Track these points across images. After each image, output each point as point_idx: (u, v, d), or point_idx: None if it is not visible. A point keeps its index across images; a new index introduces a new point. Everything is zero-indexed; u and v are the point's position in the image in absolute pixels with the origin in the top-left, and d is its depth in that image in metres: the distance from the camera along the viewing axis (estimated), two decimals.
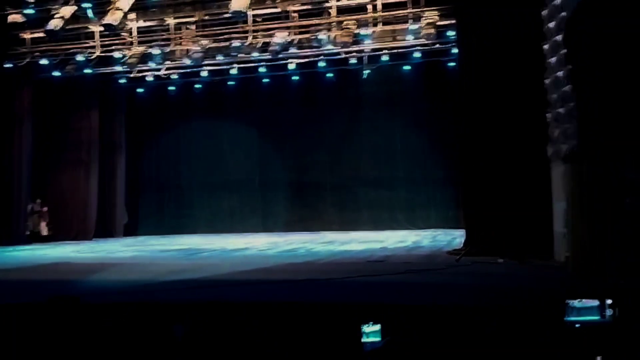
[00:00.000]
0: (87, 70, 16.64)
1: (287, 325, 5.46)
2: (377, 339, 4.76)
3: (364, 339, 4.77)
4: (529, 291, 6.56)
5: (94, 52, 16.27)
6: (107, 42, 16.28)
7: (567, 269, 8.33)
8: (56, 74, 16.67)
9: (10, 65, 16.18)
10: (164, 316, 5.86)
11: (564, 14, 9.20)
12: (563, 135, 9.29)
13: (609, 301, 4.13)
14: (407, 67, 16.96)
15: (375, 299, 6.28)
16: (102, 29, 15.26)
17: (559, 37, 9.55)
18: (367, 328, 4.77)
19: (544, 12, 10.22)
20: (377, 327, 4.77)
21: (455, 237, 12.90)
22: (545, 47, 10.13)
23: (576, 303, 4.08)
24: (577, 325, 4.17)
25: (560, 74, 9.53)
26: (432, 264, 9.47)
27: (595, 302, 4.08)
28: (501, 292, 6.55)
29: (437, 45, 15.55)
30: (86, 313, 5.81)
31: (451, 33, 14.51)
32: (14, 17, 14.95)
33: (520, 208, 10.26)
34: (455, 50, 14.61)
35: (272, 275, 8.52)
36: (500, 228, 10.40)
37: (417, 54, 15.95)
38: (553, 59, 9.85)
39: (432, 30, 14.63)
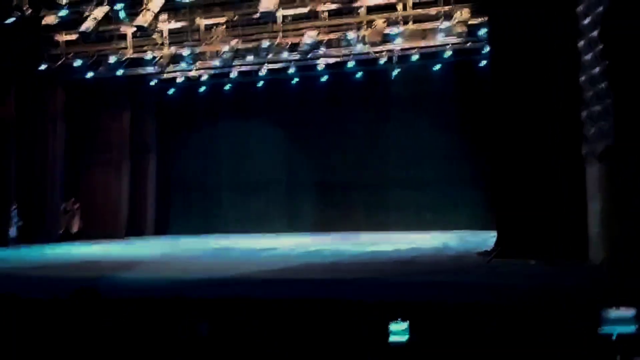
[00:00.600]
0: (119, 72, 16.85)
1: (313, 323, 5.38)
2: (405, 337, 4.63)
3: (392, 338, 4.65)
4: (562, 293, 6.36)
5: (126, 54, 16.47)
6: (138, 44, 16.45)
7: (603, 271, 8.09)
8: (89, 75, 16.91)
9: (45, 66, 16.48)
10: (189, 312, 5.84)
11: (600, 9, 8.96)
12: (598, 134, 9.04)
13: None
14: (437, 67, 16.73)
15: (402, 298, 6.16)
16: (134, 30, 15.41)
17: (594, 34, 9.30)
18: (394, 326, 4.65)
19: (579, 9, 9.97)
20: (405, 325, 4.64)
21: (486, 239, 12.63)
22: (580, 44, 9.87)
23: (612, 313, 3.86)
24: (613, 338, 3.97)
25: (595, 71, 9.28)
26: (462, 265, 9.30)
27: (632, 312, 3.85)
28: (533, 293, 6.36)
29: (469, 44, 15.34)
30: (108, 308, 5.82)
31: (483, 31, 14.27)
32: (48, 19, 15.19)
33: (554, 208, 10.02)
34: (487, 49, 14.38)
35: (298, 274, 8.46)
36: (532, 229, 10.15)
37: (447, 53, 15.72)
38: (588, 56, 9.60)
39: (464, 28, 14.40)
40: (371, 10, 15.07)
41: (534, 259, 9.52)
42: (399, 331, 4.63)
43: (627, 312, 3.90)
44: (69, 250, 14.28)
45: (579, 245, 9.47)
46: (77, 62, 16.51)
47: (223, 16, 15.90)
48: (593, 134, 9.26)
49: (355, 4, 15.05)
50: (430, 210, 17.34)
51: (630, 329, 3.87)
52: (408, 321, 4.63)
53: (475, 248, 11.59)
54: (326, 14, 15.37)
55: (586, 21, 9.73)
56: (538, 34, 10.63)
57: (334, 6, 15.18)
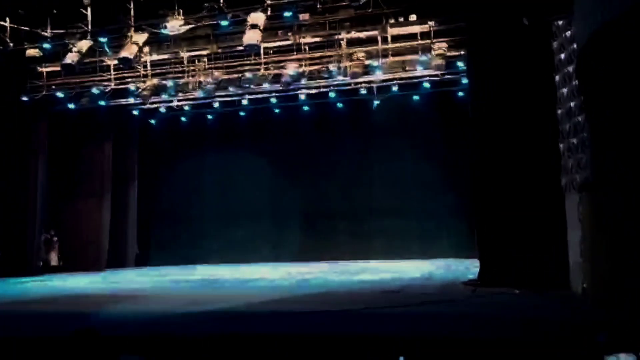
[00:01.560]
0: (102, 103, 16.91)
1: (307, 358, 5.46)
2: None
3: None
4: (549, 323, 6.54)
5: (109, 85, 16.56)
6: (121, 75, 16.57)
7: (584, 300, 8.31)
8: (71, 106, 16.94)
9: (27, 98, 16.47)
10: (186, 349, 5.88)
11: (574, 45, 9.34)
12: (577, 165, 9.36)
13: None
14: (416, 98, 17.13)
15: (395, 332, 6.28)
16: (117, 62, 15.54)
17: (570, 69, 9.70)
18: None
19: (555, 44, 10.38)
20: None
21: (470, 267, 12.87)
22: (557, 78, 10.26)
23: (613, 359, 4.07)
24: None
25: (572, 104, 9.65)
26: (449, 295, 9.45)
27: (632, 357, 4.06)
28: (521, 325, 6.53)
29: (447, 76, 15.75)
30: (109, 346, 5.84)
31: (461, 64, 14.70)
32: (32, 52, 15.26)
33: (535, 238, 10.29)
34: (465, 81, 14.80)
35: (287, 306, 8.52)
36: (515, 258, 10.39)
37: (426, 85, 16.13)
38: (565, 90, 9.98)
39: (442, 61, 14.82)
40: (352, 43, 15.42)
41: (517, 288, 9.73)
42: None
43: (628, 357, 4.09)
44: (51, 283, 14.11)
45: (560, 274, 9.72)
46: (60, 94, 16.56)
47: (206, 48, 16.12)
48: (571, 165, 9.58)
49: (337, 37, 15.39)
50: (415, 239, 17.54)
51: None
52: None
53: (460, 277, 11.79)
54: (308, 46, 15.69)
55: (562, 56, 10.14)
56: (515, 68, 11.03)
57: (316, 39, 15.50)
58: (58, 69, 15.96)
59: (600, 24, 7.47)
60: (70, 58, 14.79)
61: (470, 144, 12.06)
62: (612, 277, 7.33)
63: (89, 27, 14.76)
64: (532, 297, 9.12)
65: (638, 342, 4.38)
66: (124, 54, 14.65)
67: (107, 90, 16.61)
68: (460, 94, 16.18)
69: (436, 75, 15.67)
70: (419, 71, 15.41)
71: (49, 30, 14.91)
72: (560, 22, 10.11)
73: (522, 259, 10.28)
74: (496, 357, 5.10)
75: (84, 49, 14.91)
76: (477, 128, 11.66)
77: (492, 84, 11.30)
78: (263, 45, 15.03)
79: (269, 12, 13.82)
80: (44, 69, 16.58)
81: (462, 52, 14.07)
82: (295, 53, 15.79)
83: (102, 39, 14.93)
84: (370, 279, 12.55)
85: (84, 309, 8.56)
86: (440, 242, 17.28)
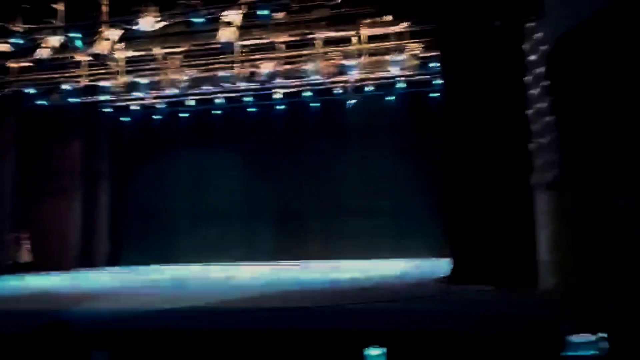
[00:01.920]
0: (73, 100, 16.66)
1: (283, 353, 5.48)
2: None
3: None
4: (516, 319, 6.67)
5: (80, 81, 16.32)
6: (93, 72, 16.35)
7: (554, 296, 8.48)
8: (41, 103, 16.66)
9: None
10: (160, 344, 5.85)
11: (544, 47, 9.53)
12: (546, 165, 9.54)
13: (604, 335, 4.28)
14: (390, 98, 17.26)
15: (370, 326, 6.33)
16: (89, 58, 15.33)
17: (540, 70, 9.88)
18: (371, 351, 4.78)
19: (526, 46, 10.56)
20: (382, 350, 4.78)
21: (442, 266, 12.97)
22: (528, 79, 10.45)
23: (574, 338, 4.21)
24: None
25: (542, 105, 9.83)
26: (421, 291, 9.55)
27: (592, 337, 4.22)
28: (493, 320, 6.64)
29: (420, 77, 15.91)
30: (80, 342, 5.77)
31: (434, 64, 14.87)
32: (2, 47, 14.95)
33: (506, 236, 10.45)
34: (438, 81, 14.97)
35: (262, 303, 8.53)
36: (486, 256, 10.55)
37: (400, 85, 16.27)
38: (535, 91, 10.16)
39: (416, 62, 14.99)
40: (327, 43, 15.47)
41: (489, 285, 9.87)
42: (376, 357, 4.76)
43: (589, 337, 4.22)
44: (20, 282, 13.86)
45: (531, 271, 9.88)
46: (30, 90, 16.26)
47: (180, 46, 16.00)
48: (541, 164, 9.76)
49: (312, 36, 15.43)
50: (387, 238, 17.63)
51: (591, 352, 4.19)
52: (385, 348, 4.78)
53: (433, 275, 11.91)
54: (283, 45, 15.69)
55: (532, 58, 10.32)
56: (487, 69, 11.19)
57: (290, 38, 15.51)
58: (28, 64, 15.69)
59: (569, 27, 7.64)
60: (41, 53, 14.56)
61: (441, 144, 12.20)
62: (578, 274, 7.51)
63: (61, 23, 14.54)
64: (503, 293, 9.26)
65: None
66: (96, 50, 14.48)
67: (78, 87, 16.37)
68: (434, 94, 16.34)
69: (410, 76, 15.83)
70: (394, 71, 15.55)
71: (19, 25, 14.63)
72: (531, 25, 10.30)
73: (493, 257, 10.43)
74: (467, 351, 5.19)
75: (56, 44, 14.69)
76: (449, 128, 11.80)
77: (464, 85, 11.45)
78: (238, 43, 14.99)
79: (244, 10, 13.79)
80: (14, 65, 16.26)
81: (436, 53, 14.23)
82: (270, 52, 15.82)
83: (74, 35, 14.71)
84: (343, 277, 12.60)
85: (54, 307, 8.44)
86: (412, 241, 17.40)
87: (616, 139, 7.41)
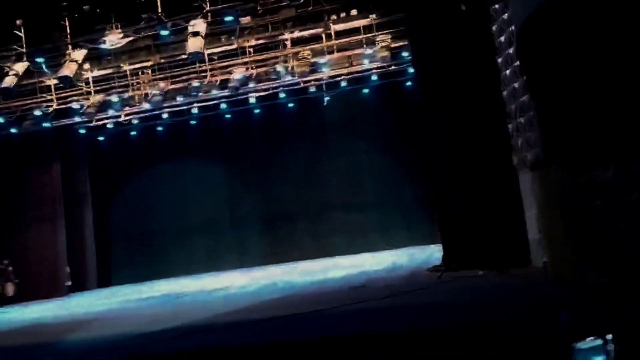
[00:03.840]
0: (46, 124, 16.42)
1: None
2: None
3: None
4: (512, 305, 6.63)
5: (51, 106, 16.10)
6: (63, 94, 16.13)
7: (545, 275, 8.47)
8: (14, 131, 16.39)
9: None
10: None
11: (513, 28, 9.51)
12: (526, 144, 9.53)
13: (609, 337, 4.26)
14: (365, 91, 17.21)
15: (368, 329, 6.26)
16: (57, 81, 15.11)
17: (511, 50, 9.86)
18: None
19: (494, 27, 10.53)
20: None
21: (432, 253, 12.98)
22: (499, 60, 10.42)
23: (581, 345, 4.18)
24: None
25: (516, 85, 9.81)
26: (415, 284, 9.49)
27: (599, 342, 4.19)
28: (490, 308, 6.60)
29: (393, 67, 15.87)
30: None
31: (405, 54, 14.83)
32: None
33: (493, 218, 10.44)
34: (411, 70, 14.93)
35: (256, 314, 8.40)
36: (476, 240, 10.53)
37: (374, 77, 16.22)
38: (507, 72, 10.14)
39: (387, 53, 14.95)
40: (296, 42, 15.37)
41: (481, 270, 9.85)
42: None
43: (595, 342, 4.20)
44: (9, 315, 13.62)
45: (521, 252, 9.88)
46: (0, 119, 15.99)
47: (149, 60, 15.83)
48: (521, 144, 9.75)
49: (281, 38, 15.32)
50: (376, 231, 17.64)
51: (600, 357, 4.18)
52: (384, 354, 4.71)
53: (424, 264, 11.88)
54: (253, 49, 15.58)
55: (502, 39, 10.30)
56: (457, 53, 11.15)
57: (260, 41, 15.40)
58: None
59: (537, 5, 7.60)
60: (8, 82, 14.31)
61: (421, 133, 12.17)
62: (568, 251, 7.49)
63: (24, 48, 14.31)
64: (496, 277, 9.24)
65: (599, 319, 4.50)
66: (63, 72, 14.28)
67: (50, 112, 16.14)
68: (408, 83, 16.31)
69: (383, 67, 15.79)
70: (366, 64, 15.51)
71: None
72: (497, 6, 10.27)
73: (482, 240, 10.42)
74: (466, 343, 5.14)
75: (21, 71, 14.45)
76: (426, 115, 11.77)
77: (436, 71, 11.42)
78: (207, 51, 14.84)
79: (209, 18, 13.65)
80: None
81: (406, 42, 14.18)
82: (240, 57, 15.69)
83: (39, 59, 14.49)
84: (336, 276, 12.53)
85: (44, 340, 8.27)
86: (401, 232, 17.43)
87: (593, 112, 7.38)
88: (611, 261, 6.77)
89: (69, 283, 17.65)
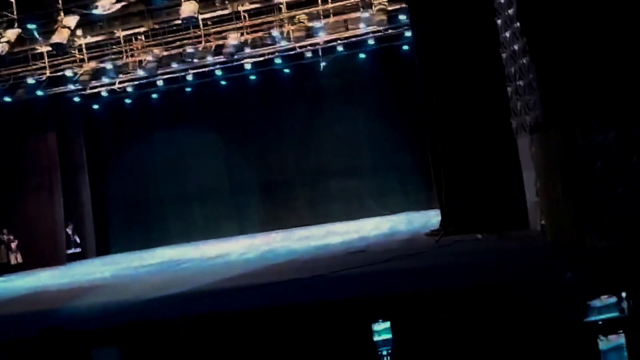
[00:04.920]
0: (39, 93, 16.25)
1: (285, 330, 5.44)
2: (389, 336, 4.77)
3: (376, 337, 4.77)
4: (516, 267, 6.68)
5: (45, 73, 15.90)
6: (56, 62, 15.92)
7: (543, 237, 8.52)
8: (7, 99, 16.22)
9: None
10: (157, 334, 5.79)
11: None
12: (525, 107, 9.49)
13: (624, 294, 4.32)
14: (362, 56, 17.03)
15: (369, 292, 6.31)
16: (49, 49, 14.91)
17: (511, 11, 9.72)
18: (377, 326, 4.76)
19: None
20: (387, 324, 4.76)
21: (430, 218, 13.04)
22: (499, 22, 10.30)
23: (596, 302, 4.25)
24: (599, 323, 4.32)
25: (516, 47, 9.71)
26: (414, 248, 9.55)
27: (613, 299, 4.27)
28: (490, 270, 6.65)
29: (390, 31, 15.67)
30: (77, 342, 5.69)
31: (403, 17, 14.63)
32: None
33: (492, 182, 10.46)
34: (408, 34, 14.75)
35: (257, 279, 8.47)
36: (474, 203, 10.56)
37: (371, 41, 16.03)
38: (507, 34, 10.03)
39: (384, 16, 14.72)
40: (291, 6, 15.13)
41: (479, 233, 9.90)
42: (382, 331, 4.74)
43: (609, 299, 4.26)
44: (10, 283, 13.71)
45: (519, 215, 9.93)
46: None
47: (142, 26, 15.57)
48: (520, 107, 9.71)
49: (276, 1, 15.07)
50: (373, 196, 17.67)
51: (614, 314, 4.24)
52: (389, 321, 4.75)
53: (422, 229, 11.94)
54: (247, 14, 15.33)
55: (501, 0, 10.16)
56: (456, 15, 11.00)
57: (254, 5, 15.15)
58: None
59: None
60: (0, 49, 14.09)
61: (418, 97, 12.08)
62: (567, 214, 7.53)
63: (15, 14, 14.05)
64: (494, 240, 9.29)
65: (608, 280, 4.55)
66: (56, 39, 14.06)
67: (43, 79, 15.95)
68: (406, 47, 16.13)
69: (380, 31, 15.58)
70: (362, 28, 15.29)
71: None
72: None
73: (481, 203, 10.45)
74: (468, 305, 5.18)
75: (13, 38, 14.22)
76: (424, 79, 11.68)
77: (435, 33, 11.28)
78: (201, 17, 14.61)
79: None
80: None
81: (403, 5, 13.97)
82: (235, 22, 15.46)
83: (31, 26, 14.25)
84: (335, 241, 12.59)
85: (47, 307, 8.33)
86: (399, 197, 17.46)
87: (593, 75, 7.34)
88: (610, 224, 6.81)
89: (79, 250, 17.80)
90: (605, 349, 4.07)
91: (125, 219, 19.31)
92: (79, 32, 15.21)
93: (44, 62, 15.83)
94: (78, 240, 18.04)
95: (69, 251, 17.70)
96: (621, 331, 4.10)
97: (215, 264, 11.76)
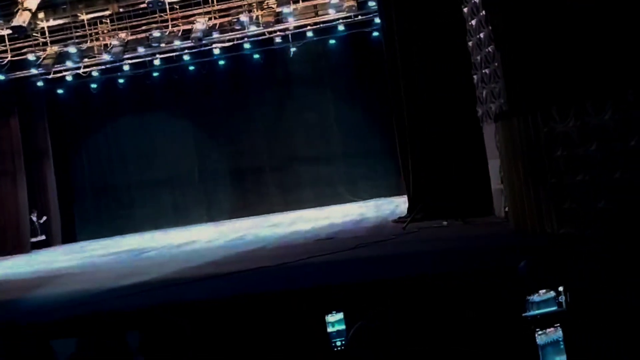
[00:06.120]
0: (0, 77, 15.84)
1: (245, 320, 5.42)
2: (342, 327, 4.78)
3: (330, 329, 4.78)
4: (479, 253, 6.76)
5: (6, 57, 15.50)
6: (18, 45, 15.53)
7: (507, 223, 8.65)
8: None
9: None
10: (117, 325, 5.72)
11: None
12: (490, 95, 9.55)
13: (561, 288, 4.39)
14: (332, 42, 16.95)
15: (330, 280, 6.32)
16: (10, 32, 14.53)
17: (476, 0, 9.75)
18: (331, 317, 4.77)
19: None
20: (340, 315, 4.78)
21: (399, 205, 13.12)
22: (465, 9, 10.32)
23: (535, 298, 4.32)
24: (537, 317, 4.38)
25: (481, 35, 9.75)
26: (381, 235, 9.60)
27: (552, 294, 4.34)
28: (454, 256, 6.72)
29: (360, 17, 15.62)
30: (35, 334, 5.59)
31: (372, 3, 14.59)
32: None
33: (457, 169, 10.55)
34: (378, 20, 14.72)
35: (222, 267, 8.42)
36: (440, 191, 10.65)
37: (341, 27, 15.96)
38: (473, 21, 10.05)
39: (353, 2, 14.69)
40: None
41: (445, 220, 10.00)
42: (336, 322, 4.75)
43: (548, 294, 4.32)
44: None
45: (484, 202, 10.05)
46: None
47: (107, 9, 15.26)
48: (485, 95, 9.77)
49: None
50: (343, 183, 17.70)
51: (552, 308, 4.31)
52: (342, 311, 4.76)
53: (390, 216, 12.00)
54: None
55: None
56: (423, 3, 11.01)
57: None
58: None
59: None
60: None
61: (387, 84, 12.10)
62: (529, 200, 7.63)
63: None
64: (459, 227, 9.39)
65: (555, 273, 4.62)
66: (16, 22, 13.70)
67: (4, 63, 15.55)
68: (376, 34, 16.10)
69: (349, 17, 15.52)
70: (332, 14, 15.23)
71: None
72: None
73: (447, 190, 10.54)
74: (429, 292, 5.23)
75: None
76: (392, 66, 11.69)
77: (401, 20, 11.29)
78: (168, 0, 14.37)
79: None
80: None
81: None
82: (203, 6, 15.25)
83: None
84: (304, 228, 12.59)
85: (6, 297, 8.16)
86: (368, 184, 17.53)
87: (555, 63, 7.40)
88: (569, 212, 6.93)
89: (43, 237, 17.41)
90: (542, 343, 4.15)
91: (92, 206, 19.02)
92: (40, 14, 14.84)
93: (5, 46, 15.42)
94: (41, 225, 17.67)
95: (34, 239, 17.40)
96: (558, 325, 4.19)
97: (182, 252, 11.66)
